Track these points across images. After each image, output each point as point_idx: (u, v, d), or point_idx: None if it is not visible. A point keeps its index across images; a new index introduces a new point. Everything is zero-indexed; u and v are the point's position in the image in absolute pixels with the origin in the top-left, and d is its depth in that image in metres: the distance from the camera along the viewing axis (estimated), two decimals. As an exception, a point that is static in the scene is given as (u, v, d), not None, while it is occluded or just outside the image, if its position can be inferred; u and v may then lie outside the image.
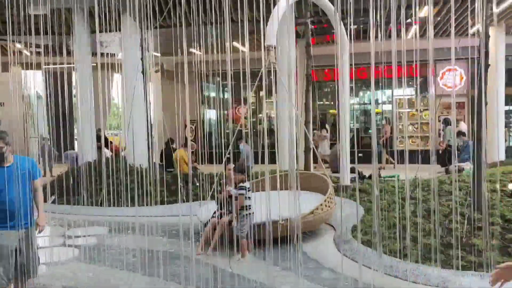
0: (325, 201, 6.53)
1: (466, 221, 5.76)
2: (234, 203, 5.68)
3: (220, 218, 5.91)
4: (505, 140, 14.10)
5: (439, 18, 11.30)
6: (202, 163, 11.39)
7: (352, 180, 8.94)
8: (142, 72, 9.34)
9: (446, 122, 12.35)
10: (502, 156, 11.86)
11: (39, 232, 4.10)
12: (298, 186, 4.38)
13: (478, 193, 6.10)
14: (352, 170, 9.49)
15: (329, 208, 6.71)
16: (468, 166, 9.90)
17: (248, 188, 5.88)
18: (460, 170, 9.57)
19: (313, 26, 10.41)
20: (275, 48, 6.78)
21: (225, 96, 19.12)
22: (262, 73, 6.71)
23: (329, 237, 6.67)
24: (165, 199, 8.33)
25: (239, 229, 5.75)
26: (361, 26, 12.39)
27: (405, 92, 16.32)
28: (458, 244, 5.33)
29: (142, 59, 9.07)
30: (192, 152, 14.13)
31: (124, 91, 10.94)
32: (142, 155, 10.22)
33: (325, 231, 6.93)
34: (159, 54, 12.55)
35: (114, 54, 14.44)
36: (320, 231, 6.88)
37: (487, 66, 6.14)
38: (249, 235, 5.75)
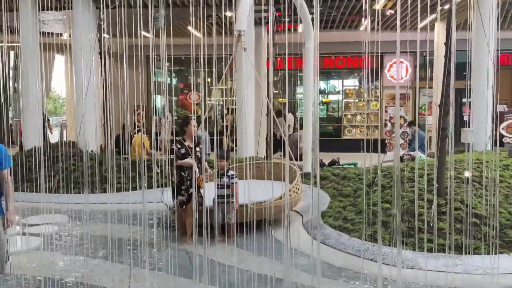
0: (293, 187, 6.61)
1: (432, 207, 6.02)
2: (231, 190, 5.75)
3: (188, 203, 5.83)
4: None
5: (392, 11, 11.67)
6: (156, 150, 11.08)
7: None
8: (100, 54, 8.87)
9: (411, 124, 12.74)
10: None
11: (8, 227, 3.78)
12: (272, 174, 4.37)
13: (441, 179, 6.42)
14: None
15: (297, 195, 6.79)
16: (418, 154, 10.39)
17: (235, 175, 5.95)
18: (412, 159, 10.02)
19: (277, 14, 10.36)
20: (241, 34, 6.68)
21: (174, 82, 18.72)
22: (231, 58, 6.59)
23: (298, 223, 6.74)
24: (124, 186, 8.00)
25: (228, 215, 5.74)
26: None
27: (353, 83, 16.85)
28: (426, 228, 5.58)
29: (99, 40, 8.58)
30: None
31: (74, 74, 10.35)
32: (95, 141, 9.77)
33: (293, 218, 6.99)
34: (108, 36, 11.98)
35: (59, 34, 13.61)
36: (282, 217, 6.94)
37: (451, 59, 6.40)
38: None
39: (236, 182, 5.82)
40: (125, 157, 10.37)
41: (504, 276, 4.79)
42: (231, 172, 5.87)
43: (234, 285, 4.31)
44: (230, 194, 5.73)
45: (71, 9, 9.80)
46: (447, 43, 6.36)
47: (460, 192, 6.57)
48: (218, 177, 5.82)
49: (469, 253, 5.01)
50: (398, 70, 14.86)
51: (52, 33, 12.98)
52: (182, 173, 5.87)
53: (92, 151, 9.66)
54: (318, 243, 2.86)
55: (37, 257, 5.14)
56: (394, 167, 2.79)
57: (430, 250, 5.26)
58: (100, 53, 8.99)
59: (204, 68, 5.52)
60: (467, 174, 7.01)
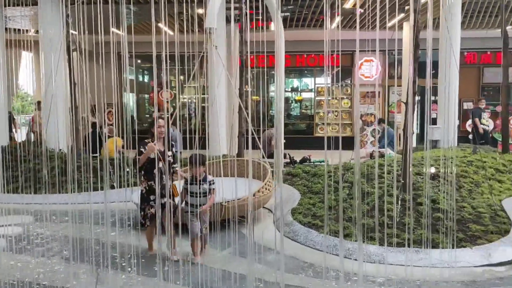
0: (265, 184, 6.65)
1: (399, 202, 6.16)
2: (209, 199, 5.08)
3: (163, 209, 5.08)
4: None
5: (362, 10, 11.83)
6: (127, 149, 10.94)
7: (284, 165, 9.14)
8: (68, 50, 8.69)
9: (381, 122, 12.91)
10: (414, 143, 12.83)
11: None
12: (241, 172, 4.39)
13: (406, 175, 6.57)
14: (284, 156, 9.70)
15: (268, 192, 6.84)
16: (388, 151, 10.60)
17: (213, 180, 5.21)
18: (382, 155, 10.20)
19: (249, 11, 10.38)
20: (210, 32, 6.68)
21: (145, 80, 18.52)
22: (200, 56, 6.57)
23: (269, 220, 6.79)
24: (94, 185, 7.89)
25: (202, 226, 5.09)
26: (289, 14, 12.60)
27: (326, 81, 17.01)
28: (392, 224, 5.71)
29: (67, 36, 8.41)
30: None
31: (43, 71, 10.10)
32: (63, 139, 9.61)
33: (264, 216, 7.04)
34: (76, 32, 11.77)
35: (26, 30, 13.28)
36: (259, 215, 6.97)
37: (417, 57, 6.56)
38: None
39: (214, 189, 5.15)
40: (94, 156, 10.24)
41: (464, 269, 4.95)
42: (209, 178, 5.18)
43: (198, 283, 4.32)
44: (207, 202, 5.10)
45: (38, 4, 9.58)
46: (414, 42, 6.53)
47: (425, 187, 6.74)
48: (193, 184, 5.01)
49: (428, 247, 5.14)
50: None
51: (19, 29, 12.65)
52: (150, 183, 5.09)
53: (60, 150, 9.48)
54: (281, 238, 2.89)
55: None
56: (356, 164, 2.86)
57: (397, 244, 5.39)
58: (67, 50, 8.81)
59: (176, 66, 5.48)
60: (432, 170, 7.21)
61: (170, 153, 4.99)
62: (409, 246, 5.35)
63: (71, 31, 10.04)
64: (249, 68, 9.45)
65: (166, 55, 4.15)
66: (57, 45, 8.73)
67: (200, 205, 4.94)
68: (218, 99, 9.69)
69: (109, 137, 10.47)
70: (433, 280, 4.62)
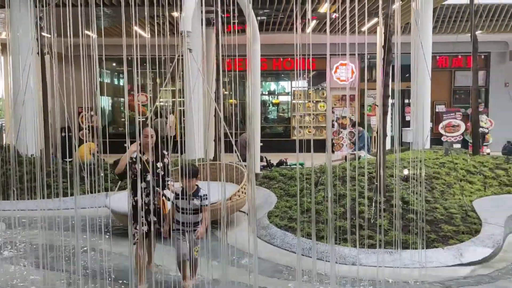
0: (241, 187, 6.65)
1: (372, 204, 6.24)
2: (201, 219, 4.34)
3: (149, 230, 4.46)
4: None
5: (336, 15, 11.96)
6: (102, 153, 10.78)
7: (261, 168, 9.15)
8: (38, 54, 8.52)
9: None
10: (387, 145, 13.02)
11: None
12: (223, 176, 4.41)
13: (381, 178, 6.65)
14: (260, 159, 9.72)
15: (245, 195, 6.83)
16: (363, 153, 10.73)
17: (206, 195, 4.36)
18: (359, 158, 10.32)
19: (225, 15, 10.38)
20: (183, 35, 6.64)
21: (121, 83, 18.30)
22: (176, 59, 6.52)
23: (245, 223, 6.77)
24: (66, 191, 7.74)
25: (196, 248, 4.34)
26: (265, 18, 12.66)
27: (301, 84, 17.12)
28: (366, 225, 5.77)
29: (37, 39, 8.25)
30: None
31: (11, 75, 9.88)
32: (34, 144, 9.39)
33: (240, 219, 7.03)
34: (49, 35, 11.56)
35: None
36: (235, 219, 6.96)
37: (390, 61, 6.67)
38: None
39: (207, 204, 4.36)
40: (67, 161, 10.05)
41: (436, 269, 5.04)
42: (202, 192, 4.35)
43: (170, 286, 4.28)
44: (199, 220, 4.34)
45: (9, 7, 9.37)
46: (385, 46, 6.64)
47: (399, 189, 6.84)
48: (183, 198, 4.28)
49: (397, 248, 5.22)
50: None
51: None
52: (136, 198, 4.34)
53: (32, 155, 9.27)
54: (255, 241, 2.89)
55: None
56: (327, 166, 2.88)
57: (370, 246, 5.45)
58: (39, 53, 8.64)
59: (150, 69, 5.41)
60: (405, 172, 7.33)
61: (160, 164, 4.39)
62: (380, 247, 5.42)
63: (44, 33, 9.87)
64: (226, 71, 9.47)
65: (137, 58, 4.11)
66: (27, 48, 8.58)
67: (190, 224, 4.24)
68: (194, 102, 9.64)
69: (81, 141, 10.32)
70: (404, 280, 4.69)
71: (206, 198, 4.29)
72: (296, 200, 6.98)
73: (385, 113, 6.70)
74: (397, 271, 4.56)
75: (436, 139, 15.27)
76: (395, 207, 6.25)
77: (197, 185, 4.37)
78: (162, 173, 4.40)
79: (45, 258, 4.51)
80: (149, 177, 4.34)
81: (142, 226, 4.34)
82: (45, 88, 8.90)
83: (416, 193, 6.86)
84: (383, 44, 6.64)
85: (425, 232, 5.72)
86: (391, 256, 5.19)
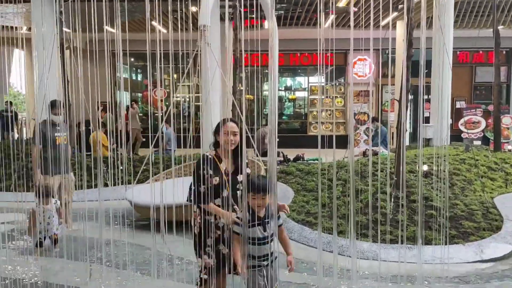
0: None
1: (391, 199, 6.20)
2: (280, 239, 3.16)
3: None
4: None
5: (356, 9, 11.87)
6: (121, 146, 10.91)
7: (278, 163, 9.16)
8: (61, 48, 8.63)
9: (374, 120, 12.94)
10: (407, 141, 12.91)
11: None
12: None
13: (399, 173, 6.60)
14: (277, 154, 9.73)
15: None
16: (381, 149, 10.65)
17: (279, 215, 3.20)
18: (375, 154, 10.24)
19: (243, 10, 10.39)
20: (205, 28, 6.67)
21: (139, 78, 18.46)
22: (194, 53, 6.55)
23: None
24: (88, 184, 7.87)
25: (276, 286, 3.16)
26: (283, 12, 12.61)
27: (319, 79, 17.05)
28: (385, 220, 5.74)
29: (58, 34, 8.36)
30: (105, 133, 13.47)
31: (36, 69, 10.04)
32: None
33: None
34: (69, 30, 11.71)
35: (16, 27, 13.18)
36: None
37: (410, 55, 6.60)
38: None
39: (281, 226, 3.19)
40: (87, 154, 10.19)
41: (456, 265, 4.99)
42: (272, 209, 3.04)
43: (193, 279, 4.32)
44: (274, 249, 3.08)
45: (31, 1, 9.53)
46: (406, 41, 6.57)
47: (418, 185, 6.78)
48: (255, 224, 2.98)
49: (422, 244, 5.18)
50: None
51: (11, 27, 12.55)
52: (207, 217, 3.15)
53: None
54: (276, 237, 2.90)
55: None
56: (349, 161, 2.87)
57: (391, 241, 5.41)
58: (60, 47, 8.75)
59: (169, 64, 5.43)
60: (425, 168, 7.25)
61: (240, 177, 3.11)
62: (402, 243, 5.39)
63: (64, 28, 10.00)
64: (243, 66, 9.47)
65: (161, 53, 4.14)
66: (49, 43, 8.71)
67: (268, 255, 3.03)
68: (212, 97, 9.68)
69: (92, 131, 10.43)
70: (425, 276, 4.65)
71: (279, 217, 3.15)
72: (313, 195, 6.98)
73: (405, 108, 6.62)
74: (417, 267, 4.53)
75: (456, 136, 15.08)
76: (416, 202, 6.21)
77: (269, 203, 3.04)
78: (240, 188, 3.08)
79: (69, 249, 4.59)
80: (226, 193, 3.11)
81: (209, 258, 3.15)
82: (67, 83, 9.02)
83: (437, 189, 6.80)
84: (403, 38, 6.56)
85: (446, 228, 5.66)
86: (410, 251, 5.15)
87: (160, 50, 4.24)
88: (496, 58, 9.36)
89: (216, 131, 3.22)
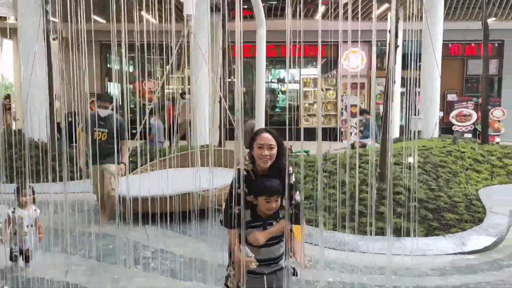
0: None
1: (374, 191, 6.17)
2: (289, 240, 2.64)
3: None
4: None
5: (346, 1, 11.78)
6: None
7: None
8: (44, 39, 8.53)
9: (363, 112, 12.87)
10: (396, 134, 12.90)
11: None
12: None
13: (384, 165, 6.59)
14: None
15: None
16: (369, 142, 10.63)
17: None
18: (364, 146, 10.23)
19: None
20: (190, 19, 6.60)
21: (130, 70, 18.32)
22: (179, 44, 6.48)
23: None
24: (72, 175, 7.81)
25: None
26: (274, 3, 12.51)
27: (311, 72, 16.99)
28: (368, 212, 5.72)
29: (44, 24, 8.26)
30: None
31: (21, 59, 9.95)
32: (42, 129, 9.48)
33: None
34: (56, 20, 11.57)
35: (6, 18, 13.04)
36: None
37: (396, 47, 6.55)
38: None
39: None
40: (72, 146, 10.13)
41: (436, 257, 4.99)
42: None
43: (172, 270, 4.30)
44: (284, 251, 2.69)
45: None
46: (392, 32, 6.51)
47: (403, 177, 6.76)
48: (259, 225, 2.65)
49: (402, 235, 5.17)
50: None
51: (-1, 17, 12.41)
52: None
53: (38, 139, 9.37)
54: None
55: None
56: (317, 156, 2.83)
57: (370, 233, 5.40)
58: (46, 38, 8.65)
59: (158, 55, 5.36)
60: (410, 160, 7.23)
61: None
62: (383, 235, 5.38)
63: (51, 18, 9.88)
64: (236, 58, 9.39)
65: (143, 44, 4.08)
66: (35, 33, 8.61)
67: (270, 260, 2.68)
68: (200, 89, 9.61)
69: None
70: (404, 267, 4.64)
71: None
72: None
73: (390, 100, 6.60)
74: (398, 258, 4.53)
75: (447, 129, 15.07)
76: (399, 194, 6.19)
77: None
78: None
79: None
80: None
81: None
82: (51, 74, 8.93)
83: (421, 181, 6.80)
84: (390, 29, 6.50)
85: (427, 220, 5.66)
86: (391, 243, 5.13)
87: (152, 41, 4.18)
88: (485, 50, 9.33)
89: (250, 144, 2.72)
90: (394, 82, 6.68)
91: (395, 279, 4.26)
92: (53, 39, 14.98)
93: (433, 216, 5.78)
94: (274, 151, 2.66)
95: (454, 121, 15.18)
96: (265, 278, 2.66)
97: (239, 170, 2.60)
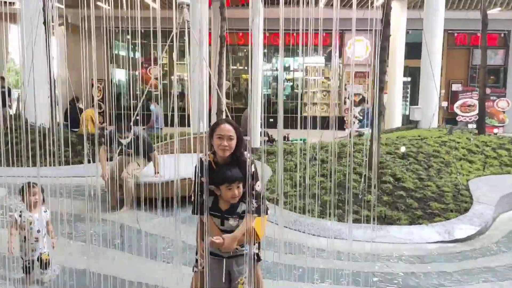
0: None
1: (362, 179, 6.24)
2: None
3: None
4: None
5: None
6: (111, 124, 10.99)
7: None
8: (44, 23, 8.63)
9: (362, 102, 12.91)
10: (398, 123, 12.88)
11: None
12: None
13: (374, 155, 6.63)
14: (264, 134, 9.78)
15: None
16: (367, 130, 10.67)
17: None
18: (362, 135, 10.27)
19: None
20: (188, 6, 6.65)
21: (136, 56, 18.44)
22: (174, 32, 6.55)
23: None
24: (70, 160, 8.01)
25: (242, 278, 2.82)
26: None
27: (316, 60, 16.94)
28: (353, 200, 5.80)
29: (43, 9, 8.36)
30: (100, 113, 13.58)
31: (23, 45, 10.07)
32: (43, 114, 9.66)
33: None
34: (63, 6, 11.67)
35: (12, 3, 13.19)
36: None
37: (387, 36, 6.55)
38: None
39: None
40: (73, 131, 10.32)
41: (417, 245, 5.06)
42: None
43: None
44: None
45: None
46: (383, 20, 6.51)
47: (393, 166, 6.82)
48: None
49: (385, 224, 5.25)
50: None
51: (5, 2, 12.56)
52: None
53: (41, 124, 9.54)
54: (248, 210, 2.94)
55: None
56: (279, 144, 2.91)
57: (356, 221, 5.47)
58: (44, 23, 8.74)
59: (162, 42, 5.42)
60: (403, 149, 7.27)
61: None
62: (368, 222, 5.46)
63: (57, 4, 9.98)
64: (228, 45, 9.43)
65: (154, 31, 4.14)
66: (39, 18, 8.72)
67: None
68: (198, 77, 9.68)
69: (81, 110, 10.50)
70: (386, 255, 4.73)
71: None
72: (290, 175, 7.04)
73: (380, 90, 6.61)
74: (380, 246, 4.60)
75: (452, 119, 15.00)
76: (387, 183, 6.25)
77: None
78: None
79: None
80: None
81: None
82: (50, 58, 9.04)
83: (411, 170, 6.84)
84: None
85: (411, 209, 5.72)
86: (374, 232, 5.22)
87: (156, 28, 4.25)
88: (483, 40, 9.26)
89: (211, 134, 2.80)
90: (385, 73, 6.69)
91: (366, 264, 4.35)
92: (59, 25, 15.12)
93: (419, 205, 5.84)
94: (234, 142, 2.73)
95: (458, 111, 15.11)
96: (224, 261, 2.79)
97: (201, 159, 2.68)
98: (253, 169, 2.76)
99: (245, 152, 2.77)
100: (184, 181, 5.46)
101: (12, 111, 14.14)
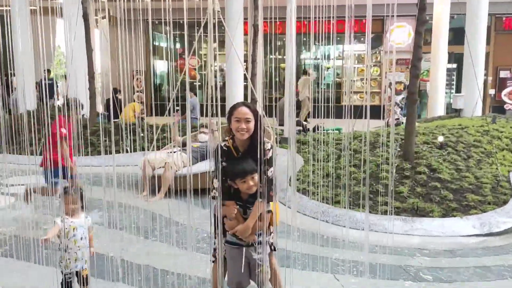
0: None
1: (394, 170, 6.09)
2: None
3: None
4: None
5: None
6: (151, 115, 11.25)
7: (297, 133, 9.15)
8: (83, 17, 8.94)
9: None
10: (441, 112, 12.42)
11: None
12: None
13: (408, 144, 6.45)
14: (298, 124, 9.70)
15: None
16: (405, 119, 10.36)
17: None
18: (400, 124, 10.00)
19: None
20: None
21: (176, 47, 18.71)
22: (205, 22, 6.59)
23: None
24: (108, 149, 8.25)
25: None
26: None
27: (356, 48, 16.60)
28: (385, 192, 5.67)
29: (82, 2, 8.65)
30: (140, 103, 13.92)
31: (67, 38, 10.45)
32: (85, 105, 10.02)
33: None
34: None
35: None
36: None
37: (423, 21, 6.31)
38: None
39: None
40: (114, 121, 10.63)
41: (451, 238, 4.89)
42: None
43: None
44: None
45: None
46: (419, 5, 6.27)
47: (430, 157, 6.60)
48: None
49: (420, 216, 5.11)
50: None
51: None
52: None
53: (83, 115, 9.91)
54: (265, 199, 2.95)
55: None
56: (290, 135, 2.88)
57: (387, 212, 5.35)
58: (84, 16, 9.03)
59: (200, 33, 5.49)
60: (440, 139, 7.03)
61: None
62: (398, 214, 5.33)
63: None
64: (264, 34, 9.37)
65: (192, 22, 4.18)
66: (76, 12, 9.02)
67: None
68: (235, 66, 9.72)
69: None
70: (414, 248, 4.61)
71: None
72: (321, 165, 6.96)
73: (416, 77, 6.38)
74: (412, 239, 4.49)
75: (499, 107, 14.32)
76: (421, 174, 6.07)
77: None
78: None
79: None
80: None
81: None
82: (90, 51, 9.34)
83: (449, 161, 6.60)
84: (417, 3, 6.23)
85: (446, 201, 5.52)
86: (407, 223, 5.09)
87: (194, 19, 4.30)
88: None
89: (229, 118, 2.81)
90: (420, 59, 6.46)
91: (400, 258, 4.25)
92: (102, 18, 15.57)
93: (454, 197, 5.63)
94: (251, 124, 2.74)
95: (506, 99, 14.40)
96: (244, 249, 2.82)
97: (219, 146, 2.76)
98: (269, 155, 2.76)
99: (268, 141, 2.77)
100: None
101: (60, 102, 14.73)
